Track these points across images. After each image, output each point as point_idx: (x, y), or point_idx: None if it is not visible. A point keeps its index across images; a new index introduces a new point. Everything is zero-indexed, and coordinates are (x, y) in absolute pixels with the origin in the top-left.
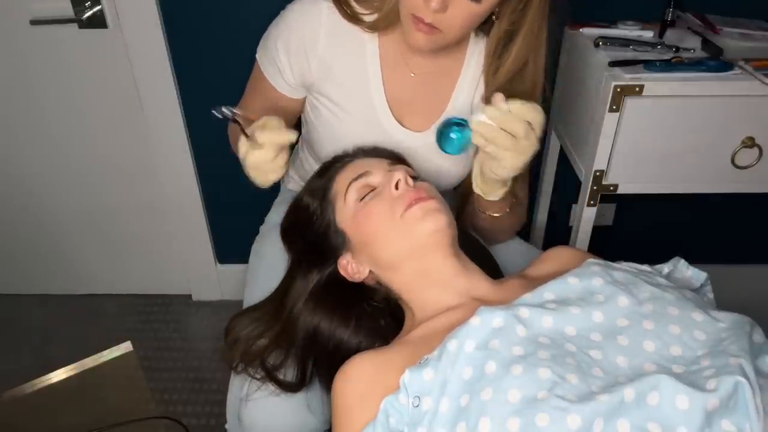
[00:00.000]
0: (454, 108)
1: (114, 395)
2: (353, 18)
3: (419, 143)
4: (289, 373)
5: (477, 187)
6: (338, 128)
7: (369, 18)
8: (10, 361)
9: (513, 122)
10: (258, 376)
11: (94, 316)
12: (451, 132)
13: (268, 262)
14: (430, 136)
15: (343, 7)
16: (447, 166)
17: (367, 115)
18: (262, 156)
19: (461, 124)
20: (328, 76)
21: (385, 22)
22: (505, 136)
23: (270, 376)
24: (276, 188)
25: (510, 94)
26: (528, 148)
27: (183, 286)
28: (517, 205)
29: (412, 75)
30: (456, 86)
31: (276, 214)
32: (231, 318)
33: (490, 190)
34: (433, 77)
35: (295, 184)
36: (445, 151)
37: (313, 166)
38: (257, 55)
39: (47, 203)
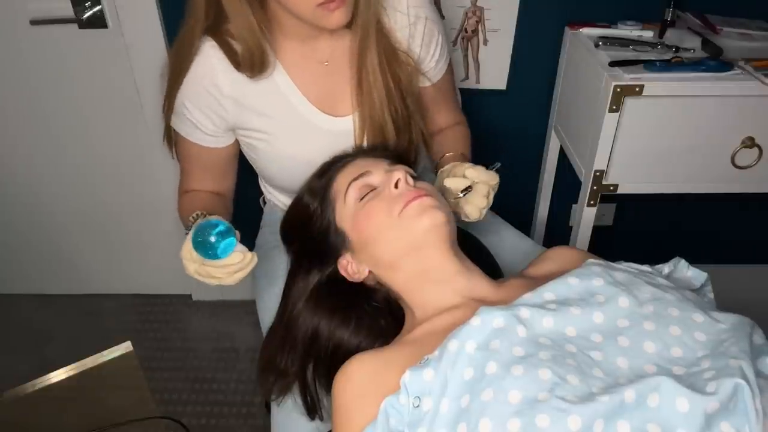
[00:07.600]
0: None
1: (114, 395)
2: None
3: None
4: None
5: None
6: (279, 153)
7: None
8: (10, 361)
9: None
10: (274, 397)
11: (94, 316)
12: (210, 238)
13: (273, 282)
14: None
15: (230, 55)
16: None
17: (298, 126)
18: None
19: (215, 226)
20: (247, 110)
21: (260, 52)
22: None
23: (304, 401)
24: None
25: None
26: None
27: (183, 286)
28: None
29: (326, 63)
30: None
31: (265, 235)
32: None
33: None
34: (342, 57)
35: (273, 206)
36: (214, 257)
37: (276, 196)
38: (171, 123)
39: (47, 203)
